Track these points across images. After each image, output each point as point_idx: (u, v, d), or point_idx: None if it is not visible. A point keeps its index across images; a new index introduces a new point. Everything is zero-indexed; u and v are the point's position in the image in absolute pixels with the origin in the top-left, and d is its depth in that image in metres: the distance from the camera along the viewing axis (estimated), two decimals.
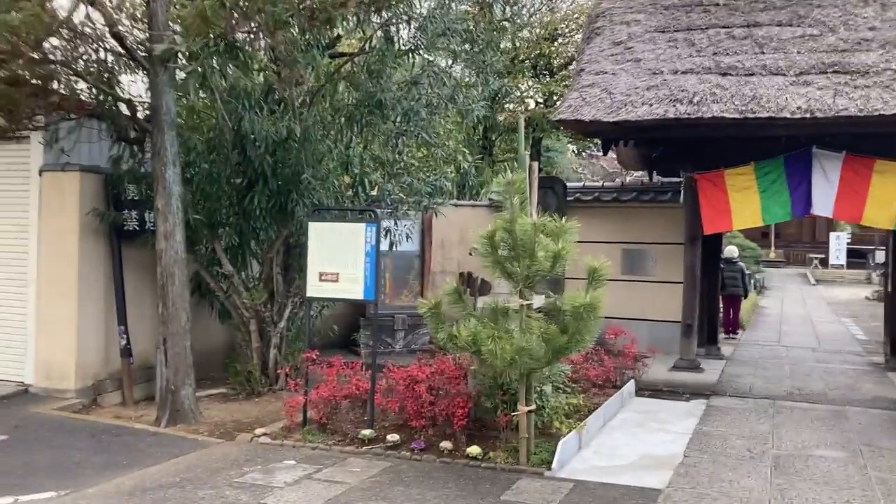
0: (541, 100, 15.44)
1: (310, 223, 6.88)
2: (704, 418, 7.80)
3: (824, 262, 37.14)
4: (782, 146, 9.79)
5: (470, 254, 7.29)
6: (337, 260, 6.81)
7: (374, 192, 8.39)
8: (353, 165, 7.50)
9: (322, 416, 6.76)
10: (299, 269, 8.34)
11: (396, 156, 7.93)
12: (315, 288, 6.89)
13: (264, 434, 6.72)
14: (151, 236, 7.13)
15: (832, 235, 37.08)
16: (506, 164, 12.04)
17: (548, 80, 16.45)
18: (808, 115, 8.60)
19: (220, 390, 8.55)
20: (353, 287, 6.76)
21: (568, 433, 6.34)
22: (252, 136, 7.12)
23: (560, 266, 5.74)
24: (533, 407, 6.02)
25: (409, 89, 7.21)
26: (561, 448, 5.91)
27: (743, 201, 10.08)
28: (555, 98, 15.35)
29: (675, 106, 9.12)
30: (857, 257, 37.39)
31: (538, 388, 6.35)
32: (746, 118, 8.78)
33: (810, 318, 18.65)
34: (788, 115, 8.65)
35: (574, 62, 14.15)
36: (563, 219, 5.79)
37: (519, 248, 5.77)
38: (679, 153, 10.54)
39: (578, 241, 5.89)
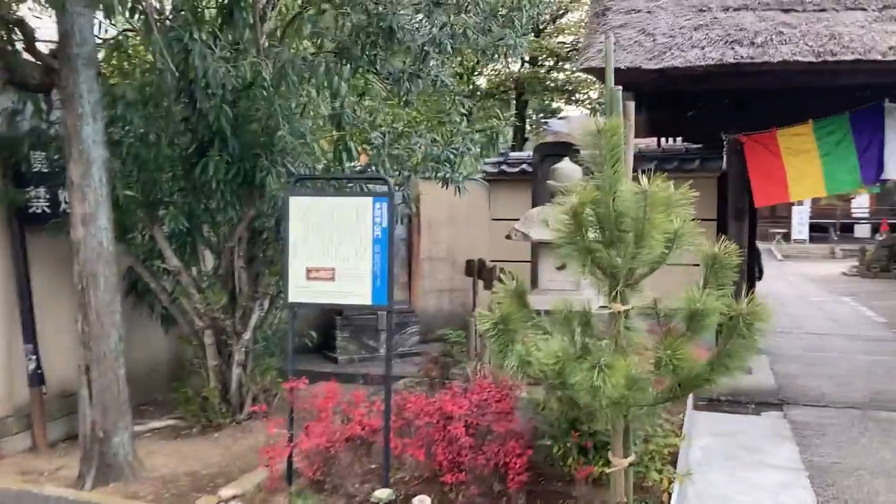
0: (526, 58, 13.62)
1: (291, 199, 4.87)
2: (802, 442, 6.09)
3: (786, 237, 36.42)
4: (845, 101, 8.14)
5: (509, 237, 5.35)
6: (332, 249, 4.84)
7: (359, 163, 6.37)
8: (344, 120, 5.45)
9: (315, 470, 4.81)
10: (269, 262, 6.32)
11: (405, 109, 5.93)
12: (300, 290, 4.89)
13: (234, 498, 4.74)
14: (67, 221, 5.03)
15: (794, 209, 36.32)
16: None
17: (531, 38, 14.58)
18: None
19: (166, 422, 6.49)
20: (356, 287, 4.79)
21: (669, 485, 4.53)
22: (204, 81, 5.05)
23: (674, 252, 3.90)
24: (633, 458, 4.15)
25: (431, 11, 5.18)
26: None
27: (801, 167, 8.39)
28: (542, 57, 13.49)
29: (733, 48, 7.33)
30: (818, 231, 36.82)
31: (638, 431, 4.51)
32: (826, 62, 7.04)
33: (808, 298, 17.38)
34: (879, 58, 6.95)
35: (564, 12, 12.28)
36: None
37: (618, 229, 3.89)
38: (717, 113, 8.77)
39: None
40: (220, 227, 5.92)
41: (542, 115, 19.14)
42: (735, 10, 7.83)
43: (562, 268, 5.42)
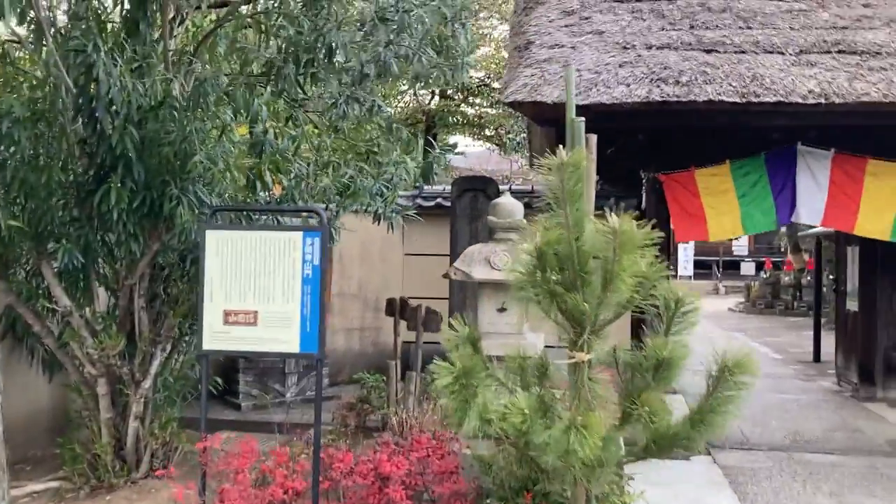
0: (436, 91, 13.36)
1: (208, 232, 4.32)
2: (738, 490, 5.92)
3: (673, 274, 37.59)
4: (761, 142, 8.26)
5: (447, 276, 4.96)
6: (255, 290, 4.31)
7: (273, 193, 5.84)
8: (266, 147, 4.93)
9: None
10: (173, 302, 5.67)
11: (331, 136, 5.45)
12: (216, 335, 4.33)
13: None
14: None
15: (680, 247, 37.72)
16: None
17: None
18: (822, 101, 6.99)
19: (48, 484, 5.68)
20: (282, 333, 4.27)
21: None
22: (108, 98, 4.45)
23: (645, 296, 3.60)
24: None
25: (376, 27, 4.74)
26: None
27: (719, 207, 8.41)
28: (452, 91, 13.27)
29: (659, 87, 7.25)
30: (702, 268, 38.33)
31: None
32: (750, 102, 7.04)
33: (702, 334, 17.67)
34: (800, 100, 7.00)
35: (489, 44, 12.12)
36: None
37: (582, 271, 3.56)
38: (635, 152, 8.73)
39: None
40: (118, 262, 5.25)
41: (438, 150, 18.89)
42: (658, 48, 7.79)
43: (502, 310, 5.07)
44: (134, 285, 5.38)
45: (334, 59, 4.61)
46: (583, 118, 3.94)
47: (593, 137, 3.98)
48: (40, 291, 5.39)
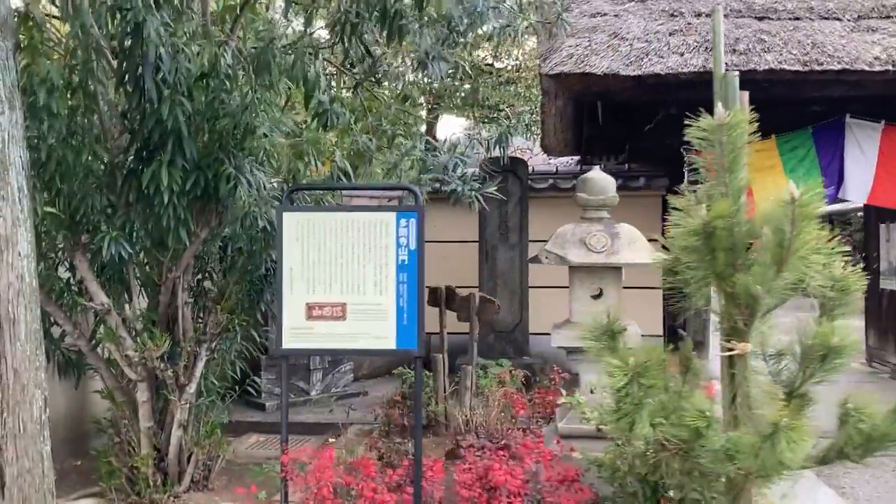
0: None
1: (285, 215, 3.76)
2: (830, 481, 5.53)
3: None
4: (805, 115, 7.90)
5: (535, 260, 4.46)
6: (341, 279, 3.77)
7: (318, 173, 5.26)
8: (331, 119, 4.36)
9: None
10: (216, 298, 5.09)
11: (405, 103, 4.90)
12: (297, 332, 3.78)
13: None
14: None
15: None
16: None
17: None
18: (890, 68, 6.63)
19: (81, 502, 5.09)
20: (375, 328, 3.74)
21: None
22: (156, 63, 3.86)
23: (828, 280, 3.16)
24: None
25: None
26: None
27: (767, 184, 7.99)
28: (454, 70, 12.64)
29: None
30: None
31: None
32: (812, 71, 6.66)
33: None
34: (865, 68, 6.64)
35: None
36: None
37: (745, 249, 3.13)
38: (673, 127, 8.29)
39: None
40: (164, 252, 4.65)
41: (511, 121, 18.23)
42: (707, 15, 7.37)
43: (598, 297, 4.60)
44: (178, 279, 4.79)
45: (426, 7, 4.04)
46: (735, 72, 3.46)
47: (745, 94, 3.51)
48: (73, 288, 4.77)
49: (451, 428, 6.59)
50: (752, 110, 7.62)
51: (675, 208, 3.35)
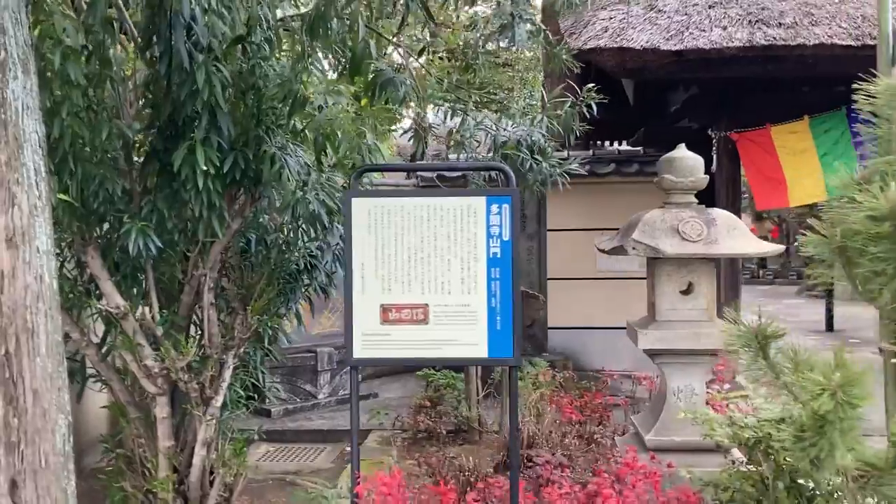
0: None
1: (354, 201, 3.17)
2: None
3: None
4: (835, 95, 7.52)
5: (618, 251, 3.94)
6: (423, 276, 3.19)
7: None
8: (385, 86, 3.76)
9: None
10: (244, 298, 4.47)
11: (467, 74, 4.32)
12: (371, 339, 3.21)
13: None
14: None
15: None
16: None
17: None
18: None
19: None
20: (463, 333, 3.18)
21: None
22: (191, 21, 3.24)
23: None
24: None
25: None
26: None
27: (800, 168, 7.63)
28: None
29: (761, 29, 6.37)
30: None
31: None
32: (865, 45, 6.24)
33: None
34: None
35: None
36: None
37: None
38: (700, 107, 7.87)
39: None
40: (191, 246, 4.02)
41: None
42: None
43: (687, 292, 4.09)
44: (204, 276, 4.16)
45: None
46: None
47: None
48: (80, 287, 4.11)
49: (485, 435, 6.07)
50: (767, 92, 6.98)
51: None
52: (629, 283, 8.71)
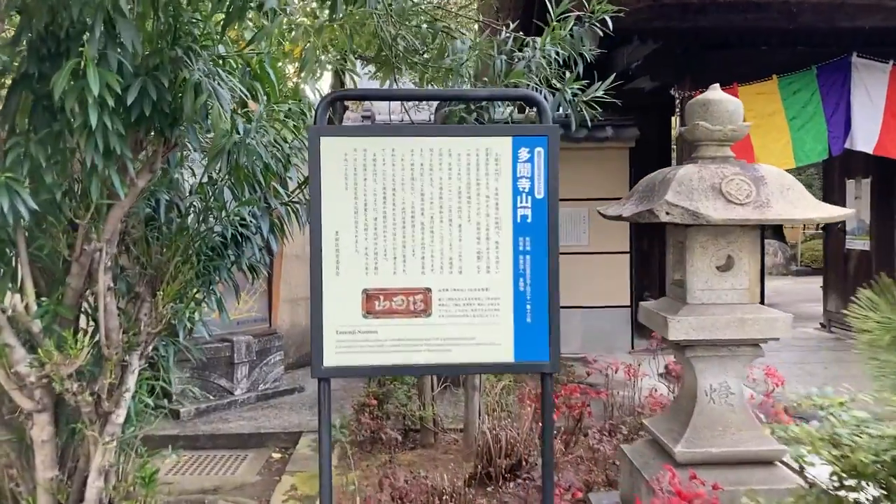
0: None
1: (324, 140, 2.18)
2: None
3: None
4: (807, 55, 7.01)
5: (662, 216, 3.09)
6: (421, 249, 2.24)
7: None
8: None
9: None
10: (152, 281, 3.42)
11: None
12: (347, 340, 2.24)
13: None
14: None
15: None
16: None
17: None
18: None
19: None
20: (481, 329, 2.27)
21: None
22: None
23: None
24: None
25: None
26: None
27: (768, 133, 7.05)
28: None
29: None
30: None
31: None
32: None
33: None
34: None
35: None
36: None
37: None
38: (663, 65, 7.16)
39: None
40: (81, 211, 2.93)
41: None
42: None
43: (726, 267, 3.30)
44: (98, 252, 3.08)
45: None
46: None
47: None
48: None
49: (441, 436, 5.20)
50: (736, 48, 6.16)
51: None
52: (574, 259, 8.02)
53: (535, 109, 2.54)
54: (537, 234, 2.28)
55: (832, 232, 9.68)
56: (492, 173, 2.27)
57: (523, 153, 2.27)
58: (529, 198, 2.28)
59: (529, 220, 2.28)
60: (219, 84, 2.74)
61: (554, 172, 2.26)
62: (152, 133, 2.91)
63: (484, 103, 3.41)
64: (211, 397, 6.32)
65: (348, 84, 10.09)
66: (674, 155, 9.11)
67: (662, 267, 8.91)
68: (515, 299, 2.28)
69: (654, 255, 8.72)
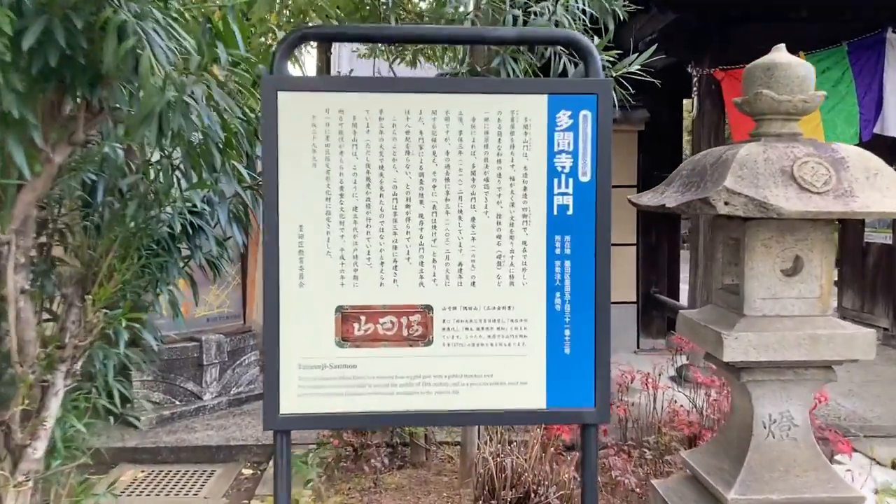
0: None
1: (282, 96, 1.53)
2: None
3: None
4: (837, 29, 6.42)
5: (720, 207, 2.42)
6: (418, 252, 1.59)
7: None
8: None
9: None
10: (82, 281, 2.76)
11: None
12: (315, 374, 1.58)
13: None
14: None
15: None
16: None
17: None
18: None
19: None
20: (502, 362, 1.60)
21: None
22: None
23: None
24: None
25: None
26: None
27: None
28: None
29: None
30: None
31: None
32: None
33: None
34: None
35: None
36: None
37: None
38: (680, 42, 6.53)
39: None
40: None
41: None
42: None
43: (793, 271, 2.67)
44: (6, 246, 2.42)
45: None
46: None
47: None
48: None
49: (432, 453, 4.59)
50: (759, 23, 5.46)
51: None
52: None
53: (577, 63, 1.89)
54: (581, 232, 1.63)
55: (849, 224, 9.10)
56: (519, 146, 1.62)
57: (563, 118, 1.61)
58: (571, 181, 1.63)
59: (570, 213, 1.63)
60: (154, 30, 2.08)
61: (605, 146, 1.61)
62: (69, 92, 2.24)
63: (501, 59, 2.76)
64: (177, 403, 5.68)
65: (334, 60, 9.30)
66: (684, 142, 8.49)
67: (671, 261, 8.33)
68: (549, 322, 1.62)
69: (661, 248, 8.11)
